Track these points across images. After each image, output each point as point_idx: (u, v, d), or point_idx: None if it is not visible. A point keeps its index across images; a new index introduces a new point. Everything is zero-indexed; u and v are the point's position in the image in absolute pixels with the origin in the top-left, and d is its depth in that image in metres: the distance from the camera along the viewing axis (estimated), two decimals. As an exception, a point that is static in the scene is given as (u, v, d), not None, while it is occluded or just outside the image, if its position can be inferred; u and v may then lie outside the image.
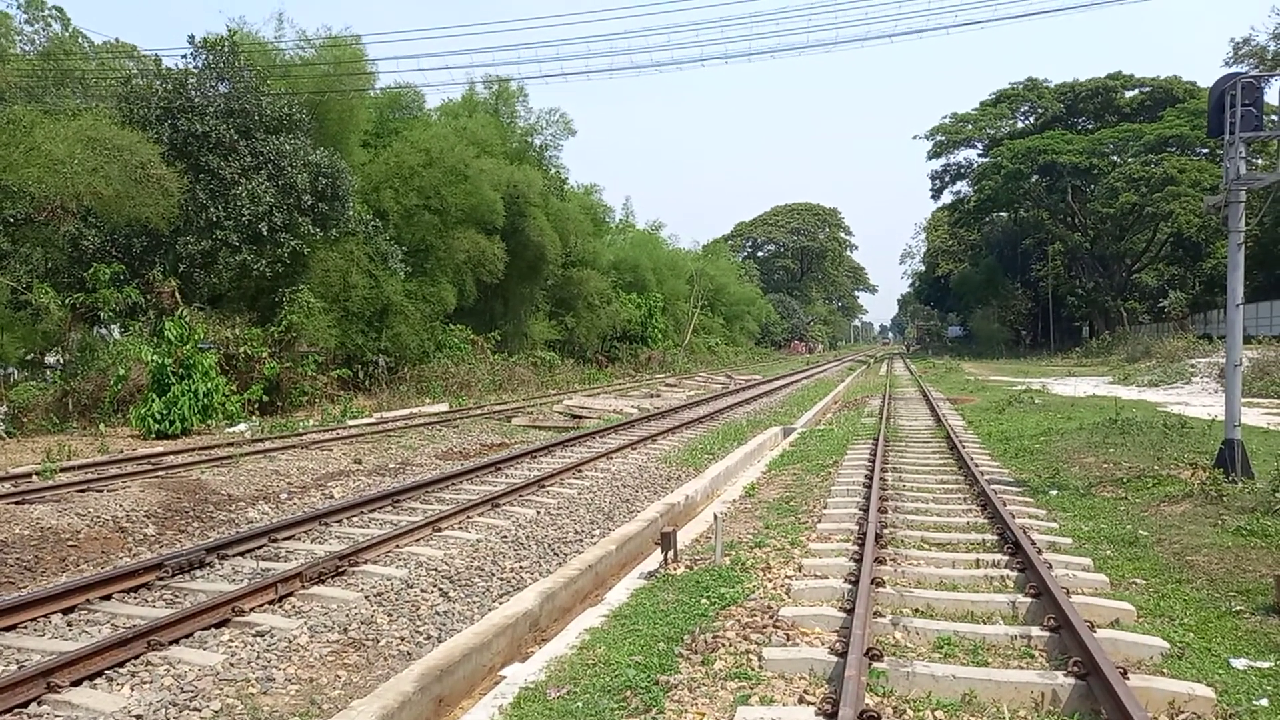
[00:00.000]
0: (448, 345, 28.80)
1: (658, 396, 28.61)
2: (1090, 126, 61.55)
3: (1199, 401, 21.29)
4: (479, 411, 21.98)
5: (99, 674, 5.57)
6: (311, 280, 22.97)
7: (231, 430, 17.35)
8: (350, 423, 18.95)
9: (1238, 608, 5.90)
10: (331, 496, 11.52)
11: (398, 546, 8.52)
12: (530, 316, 36.90)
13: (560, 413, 22.96)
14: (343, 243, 24.02)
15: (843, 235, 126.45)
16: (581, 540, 9.23)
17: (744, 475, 12.73)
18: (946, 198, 75.92)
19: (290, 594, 7.08)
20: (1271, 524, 7.59)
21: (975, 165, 67.92)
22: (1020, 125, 65.69)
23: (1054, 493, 9.87)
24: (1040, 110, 63.91)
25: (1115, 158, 55.91)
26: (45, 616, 6.62)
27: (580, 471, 12.87)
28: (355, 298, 24.05)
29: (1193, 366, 28.59)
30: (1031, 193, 60.65)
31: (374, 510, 10.23)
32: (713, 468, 13.08)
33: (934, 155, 69.78)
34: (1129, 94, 60.65)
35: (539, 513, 10.15)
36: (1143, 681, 4.65)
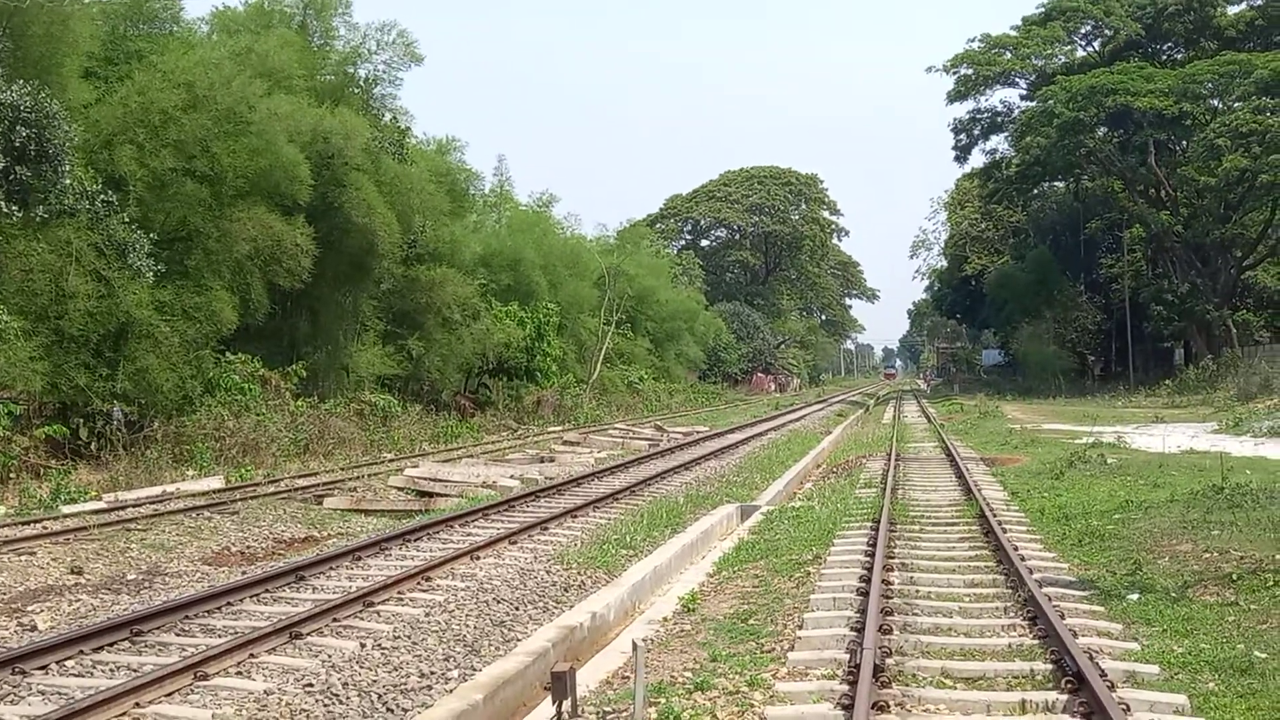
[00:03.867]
0: (223, 386, 28.21)
1: (551, 461, 28.53)
2: (1179, 56, 64.35)
3: (1339, 457, 22.30)
4: (272, 489, 21.58)
5: None
6: (5, 286, 22.27)
7: None
8: (67, 509, 18.38)
9: (1392, 761, 6.17)
10: (33, 627, 11.17)
11: (138, 706, 8.29)
12: (354, 340, 36.41)
13: (400, 488, 22.63)
14: (55, 227, 23.38)
15: (826, 214, 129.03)
16: (430, 688, 9.12)
17: (681, 580, 12.73)
18: (976, 159, 78.10)
19: (-38, 788, 6.80)
20: None
21: (1017, 112, 70.11)
22: (1080, 54, 68.50)
23: (1134, 597, 10.19)
24: (1108, 33, 66.68)
25: (1215, 101, 58.36)
26: None
27: (429, 580, 12.74)
28: (75, 313, 23.40)
29: (1332, 407, 29.97)
30: (1098, 153, 62.91)
31: (102, 649, 9.94)
32: (634, 569, 13.08)
33: (957, 97, 71.75)
34: (1233, 10, 63.68)
35: (365, 646, 10.01)
36: None
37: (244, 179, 28.65)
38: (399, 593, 12.03)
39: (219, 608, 11.40)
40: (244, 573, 13.76)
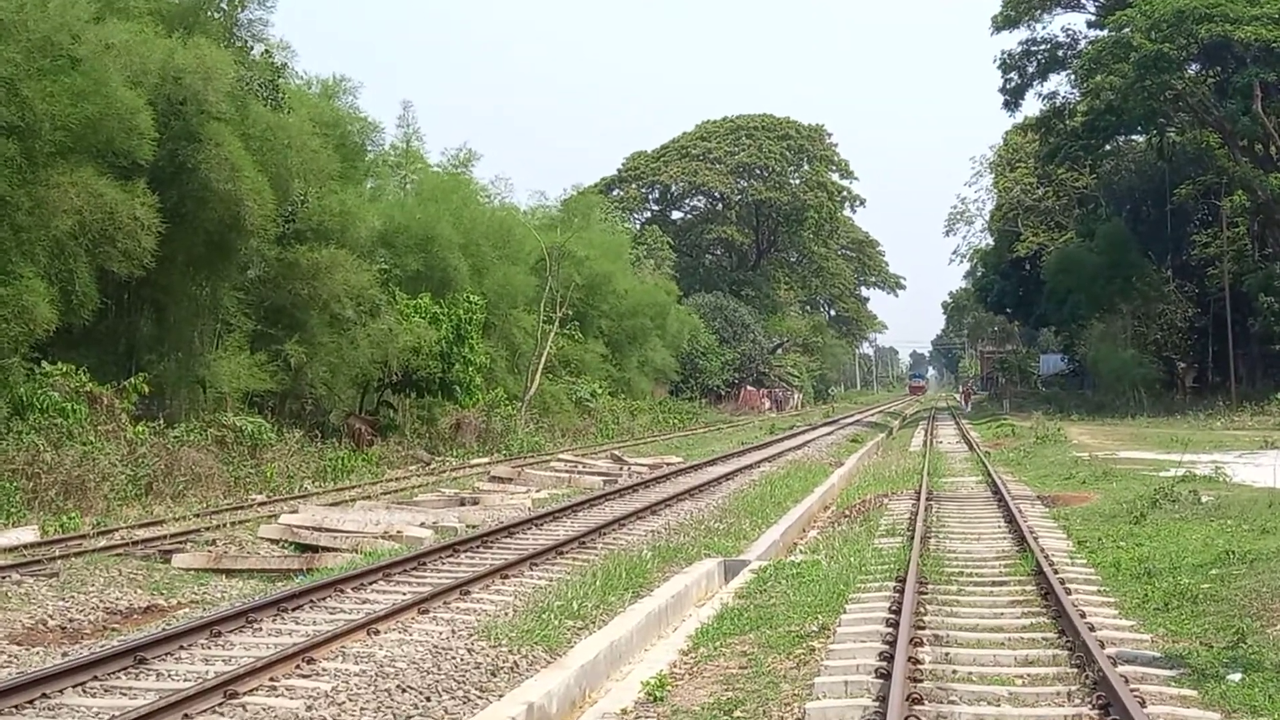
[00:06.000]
0: (38, 406, 27.93)
1: (475, 503, 28.43)
2: (1293, -27, 64.93)
3: None
4: (104, 542, 21.36)
5: None
6: None
7: None
8: None
9: None
10: None
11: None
12: (213, 345, 36.17)
13: (274, 540, 22.47)
14: None
15: (836, 178, 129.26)
16: (314, 805, 9.05)
17: (646, 659, 12.71)
18: (1031, 106, 78.56)
19: None
20: None
21: (1083, 43, 70.47)
22: (1165, -32, 68.98)
23: (1236, 677, 10.24)
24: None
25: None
26: None
27: (313, 663, 12.64)
28: None
29: None
30: (1188, 97, 63.31)
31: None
32: (583, 646, 13.05)
33: (1006, 23, 72.24)
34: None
35: (226, 751, 9.92)
36: None
37: (65, 131, 28.36)
38: (272, 680, 11.90)
39: (31, 701, 11.21)
40: (65, 654, 13.59)
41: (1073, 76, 71.25)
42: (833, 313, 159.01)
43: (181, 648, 13.32)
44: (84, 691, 11.73)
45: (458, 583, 16.88)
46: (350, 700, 11.37)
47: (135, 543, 21.45)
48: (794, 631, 12.90)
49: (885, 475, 34.41)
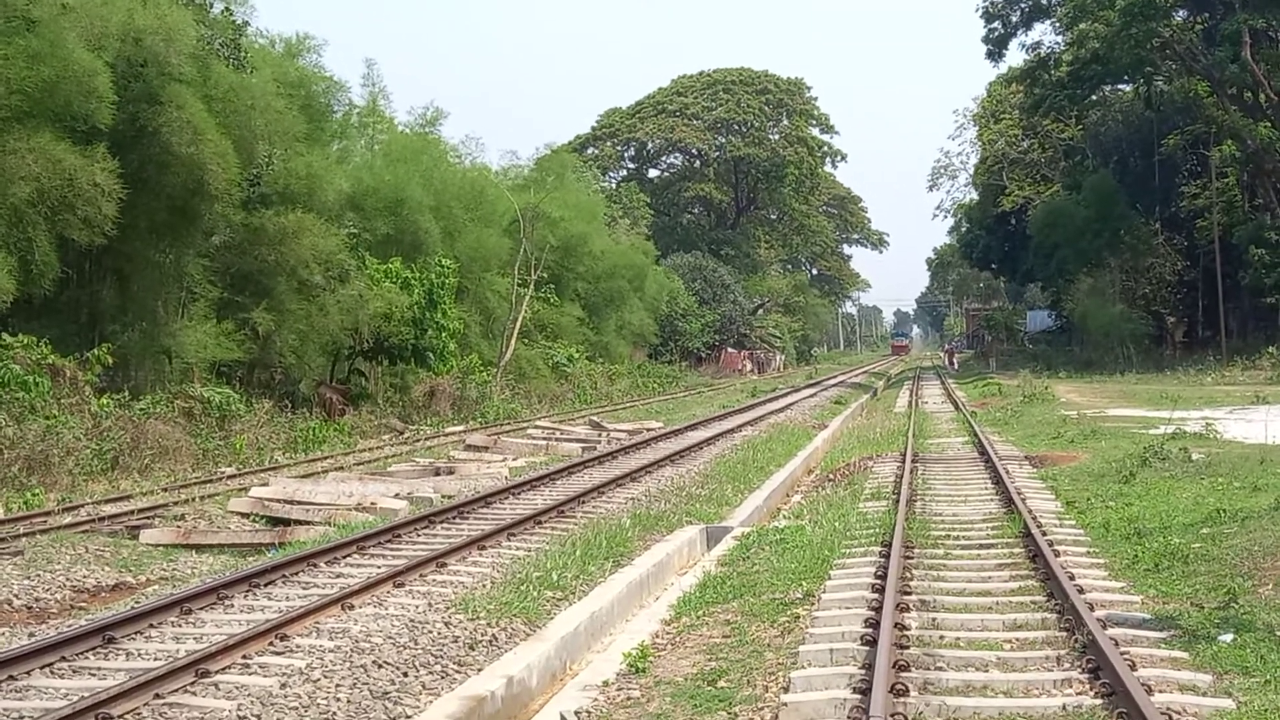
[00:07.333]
0: (-3, 380, 27.85)
1: (450, 473, 28.42)
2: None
3: None
4: (70, 518, 21.31)
5: None
6: None
7: None
8: None
9: None
10: None
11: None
12: (178, 314, 35.98)
13: (244, 514, 22.42)
14: None
15: (816, 132, 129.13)
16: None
17: (628, 630, 12.73)
18: (1015, 56, 78.45)
19: None
20: None
21: (1068, -9, 70.36)
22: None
23: (1228, 638, 10.30)
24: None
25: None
26: None
27: (286, 639, 12.63)
28: None
29: None
30: (1176, 44, 63.27)
31: None
32: (563, 618, 13.08)
33: (988, -28, 71.99)
34: None
35: (199, 732, 9.91)
36: None
37: (21, 95, 28.18)
38: (245, 657, 11.88)
39: (-2, 684, 11.25)
40: (31, 635, 13.52)
41: (1057, 24, 71.34)
42: (815, 271, 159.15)
43: (151, 626, 13.27)
44: (52, 672, 11.69)
45: (434, 555, 16.86)
46: (325, 677, 11.36)
47: (102, 519, 21.37)
48: (778, 599, 12.94)
49: (870, 437, 34.50)
